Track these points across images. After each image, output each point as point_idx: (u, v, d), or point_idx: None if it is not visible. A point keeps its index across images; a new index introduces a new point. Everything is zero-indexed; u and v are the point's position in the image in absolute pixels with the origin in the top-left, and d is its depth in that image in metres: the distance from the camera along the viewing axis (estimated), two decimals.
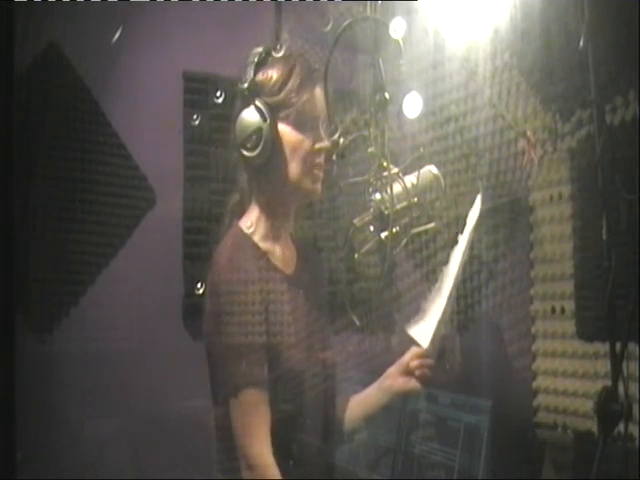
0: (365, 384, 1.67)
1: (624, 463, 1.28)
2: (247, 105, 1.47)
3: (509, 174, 1.70)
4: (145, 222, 2.00)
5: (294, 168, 1.48)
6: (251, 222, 1.52)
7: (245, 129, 1.47)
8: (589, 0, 1.40)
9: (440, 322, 1.56)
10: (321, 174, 1.51)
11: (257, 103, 1.46)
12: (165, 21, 1.94)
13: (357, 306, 1.68)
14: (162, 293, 2.02)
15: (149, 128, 1.94)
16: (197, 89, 1.94)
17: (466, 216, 1.63)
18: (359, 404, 1.66)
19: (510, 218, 1.76)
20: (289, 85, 1.47)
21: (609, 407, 1.26)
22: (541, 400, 1.67)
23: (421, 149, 1.69)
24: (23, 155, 1.67)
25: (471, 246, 1.67)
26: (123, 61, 1.95)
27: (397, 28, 1.44)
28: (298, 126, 1.48)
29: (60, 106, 1.86)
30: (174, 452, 2.03)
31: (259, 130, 1.45)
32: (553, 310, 1.64)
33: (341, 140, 1.47)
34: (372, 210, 1.48)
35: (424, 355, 1.59)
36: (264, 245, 1.51)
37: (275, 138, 1.46)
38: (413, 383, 1.60)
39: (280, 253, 1.54)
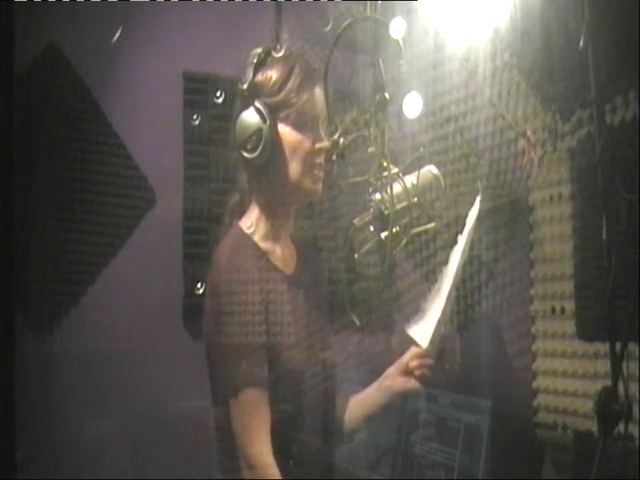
0: (365, 384, 1.67)
1: (624, 463, 1.28)
2: (247, 106, 1.47)
3: (509, 174, 1.70)
4: (145, 222, 2.00)
5: (294, 168, 1.48)
6: (251, 222, 1.52)
7: (245, 130, 1.47)
8: (589, 0, 1.40)
9: (440, 322, 1.56)
10: (321, 174, 1.51)
11: (257, 104, 1.46)
12: (165, 21, 1.94)
13: (357, 306, 1.68)
14: (162, 293, 2.01)
15: (149, 128, 1.94)
16: (197, 89, 1.93)
17: (466, 216, 1.63)
18: (359, 404, 1.66)
19: (510, 218, 1.76)
20: (289, 85, 1.47)
21: (609, 407, 1.26)
22: (541, 400, 1.67)
23: (421, 149, 1.70)
24: (23, 155, 1.67)
25: (471, 246, 1.67)
26: (123, 61, 1.95)
27: (397, 28, 1.44)
28: (298, 126, 1.48)
29: (60, 106, 1.86)
30: (174, 452, 2.03)
31: (259, 131, 1.45)
32: (553, 310, 1.64)
33: (341, 140, 1.47)
34: (372, 210, 1.48)
35: (424, 355, 1.59)
36: (264, 245, 1.51)
37: (275, 139, 1.46)
38: (413, 383, 1.60)
39: (280, 253, 1.54)
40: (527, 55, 1.63)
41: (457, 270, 1.59)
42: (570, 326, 1.60)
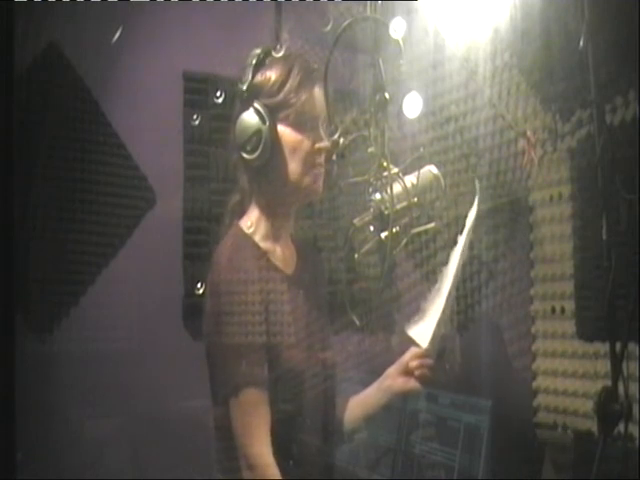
0: (365, 384, 1.67)
1: (624, 463, 1.28)
2: (246, 107, 1.47)
3: (509, 174, 1.70)
4: (145, 222, 2.00)
5: (294, 168, 1.48)
6: (251, 222, 1.52)
7: (244, 131, 1.47)
8: (589, 0, 1.40)
9: (440, 322, 1.56)
10: (321, 174, 1.51)
11: (256, 105, 1.46)
12: (165, 21, 1.94)
13: (357, 306, 1.68)
14: (162, 293, 2.01)
15: (149, 128, 1.94)
16: (197, 89, 1.93)
17: (466, 216, 1.63)
18: (359, 404, 1.66)
19: (510, 218, 1.76)
20: (288, 86, 1.47)
21: (609, 407, 1.26)
22: (541, 400, 1.67)
23: (421, 149, 1.70)
24: (23, 155, 1.67)
25: (471, 246, 1.67)
26: (123, 61, 1.95)
27: (397, 28, 1.44)
28: (298, 126, 1.48)
29: (60, 106, 1.86)
30: (174, 452, 2.03)
31: (258, 132, 1.45)
32: (553, 310, 1.64)
33: (341, 140, 1.47)
34: (372, 210, 1.48)
35: (424, 355, 1.59)
36: (264, 245, 1.51)
37: (275, 140, 1.46)
38: (412, 383, 1.60)
39: (280, 253, 1.54)
40: (527, 55, 1.63)
41: (457, 270, 1.59)
42: (570, 326, 1.60)
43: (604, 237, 1.34)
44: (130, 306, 2.14)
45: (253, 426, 1.41)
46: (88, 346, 2.07)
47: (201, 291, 1.62)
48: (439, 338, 1.58)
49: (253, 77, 1.48)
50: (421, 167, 1.54)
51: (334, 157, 1.51)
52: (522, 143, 1.66)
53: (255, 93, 1.47)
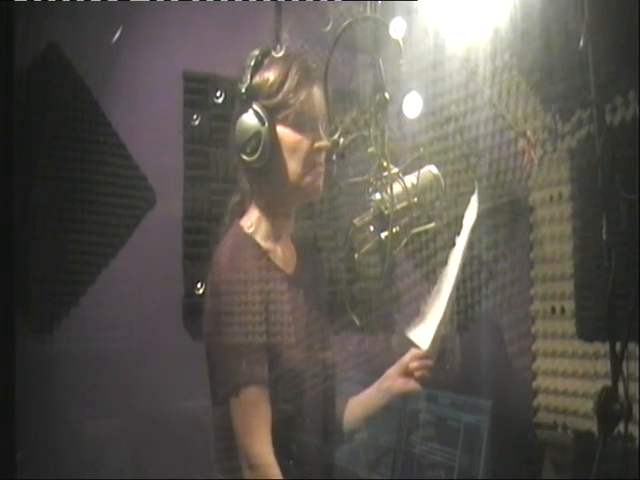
0: (365, 384, 1.67)
1: (624, 463, 1.28)
2: (245, 109, 1.47)
3: (509, 174, 1.70)
4: (145, 222, 1.99)
5: (294, 169, 1.48)
6: (251, 222, 1.52)
7: (244, 133, 1.47)
8: (589, 0, 1.39)
9: (440, 323, 1.56)
10: (322, 174, 1.51)
11: (255, 107, 1.46)
12: (165, 21, 1.94)
13: (357, 306, 1.68)
14: (162, 293, 2.01)
15: (149, 128, 1.94)
16: (197, 89, 1.93)
17: (465, 216, 1.63)
18: (359, 405, 1.66)
19: (510, 218, 1.76)
20: (286, 86, 1.47)
21: (609, 407, 1.26)
22: (541, 400, 1.67)
23: (421, 149, 1.69)
24: (23, 155, 1.67)
25: (471, 246, 1.67)
26: (123, 61, 1.95)
27: (397, 28, 1.44)
28: (297, 127, 1.48)
29: (60, 106, 1.86)
30: (174, 452, 2.02)
31: (258, 134, 1.45)
32: (553, 310, 1.64)
33: (341, 140, 1.47)
34: (372, 210, 1.48)
35: (424, 356, 1.59)
36: (265, 244, 1.51)
37: (274, 141, 1.46)
38: (412, 384, 1.60)
39: (280, 253, 1.54)
40: (527, 55, 1.63)
41: (457, 271, 1.59)
42: (570, 326, 1.59)
43: (604, 237, 1.34)
44: (130, 306, 2.14)
45: (254, 426, 1.41)
46: (88, 346, 2.07)
47: (201, 291, 1.62)
48: (439, 339, 1.58)
49: (252, 78, 1.48)
50: (421, 167, 1.54)
51: (334, 157, 1.51)
52: (522, 143, 1.66)
53: (254, 94, 1.48)
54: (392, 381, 1.62)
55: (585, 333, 1.56)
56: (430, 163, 1.58)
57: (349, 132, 1.58)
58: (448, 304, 1.57)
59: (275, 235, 1.53)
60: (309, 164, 1.49)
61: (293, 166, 1.48)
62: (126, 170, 1.97)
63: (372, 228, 1.49)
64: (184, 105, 1.93)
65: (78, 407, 2.03)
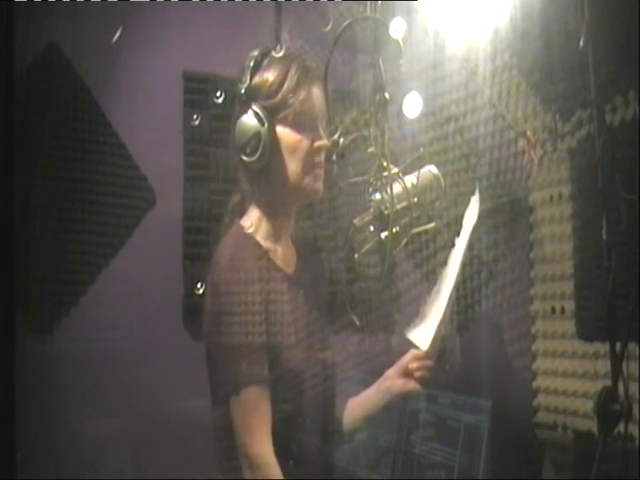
0: (365, 384, 1.67)
1: (624, 463, 1.28)
2: (245, 110, 1.48)
3: (509, 174, 1.70)
4: (145, 222, 1.99)
5: (294, 169, 1.48)
6: (251, 222, 1.52)
7: (244, 134, 1.47)
8: (589, 0, 1.39)
9: (440, 323, 1.56)
10: (321, 173, 1.51)
11: (254, 108, 1.46)
12: (165, 21, 1.94)
13: (357, 306, 1.68)
14: (162, 293, 2.01)
15: (149, 128, 1.94)
16: (197, 89, 1.93)
17: (464, 217, 1.63)
18: (359, 405, 1.66)
19: (510, 218, 1.76)
20: (285, 86, 1.47)
21: (609, 407, 1.26)
22: (541, 400, 1.67)
23: (421, 149, 1.70)
24: (23, 155, 1.67)
25: (471, 246, 1.67)
26: (123, 61, 1.95)
27: (397, 28, 1.44)
28: (297, 126, 1.48)
29: (60, 106, 1.86)
30: (174, 452, 2.02)
31: (257, 135, 1.46)
32: (553, 310, 1.64)
33: (341, 140, 1.47)
34: (372, 210, 1.48)
35: (423, 357, 1.59)
36: (265, 244, 1.51)
37: (274, 141, 1.46)
38: (412, 385, 1.60)
39: (281, 253, 1.54)
40: (527, 55, 1.63)
41: (457, 271, 1.59)
42: (570, 326, 1.59)
43: (604, 237, 1.34)
44: (130, 306, 2.14)
45: (254, 426, 1.41)
46: (88, 346, 2.07)
47: (201, 291, 1.62)
48: (439, 339, 1.58)
49: (251, 79, 1.48)
50: (421, 167, 1.54)
51: (334, 157, 1.51)
52: (522, 143, 1.65)
53: (253, 95, 1.48)
54: (392, 381, 1.61)
55: (585, 333, 1.56)
56: (430, 163, 1.58)
57: (349, 132, 1.58)
58: (448, 304, 1.57)
59: (275, 235, 1.53)
60: (309, 164, 1.49)
61: (293, 166, 1.48)
62: (126, 170, 1.97)
63: (372, 228, 1.49)
64: (184, 105, 1.93)
65: (78, 407, 2.03)
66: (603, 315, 1.34)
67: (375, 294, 1.80)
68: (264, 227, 1.52)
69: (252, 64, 1.49)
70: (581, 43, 1.38)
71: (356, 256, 1.54)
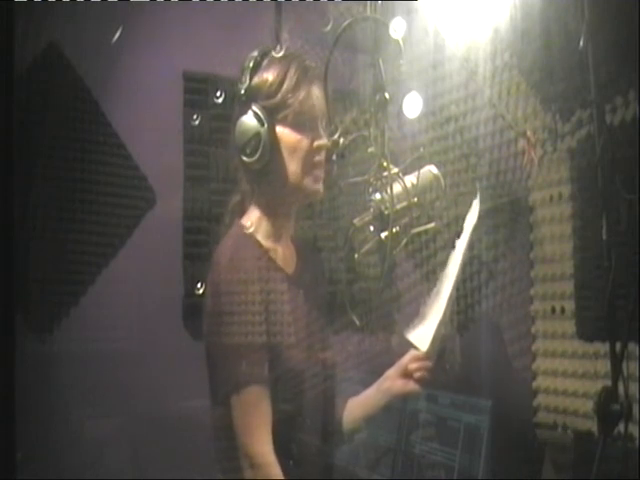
0: (365, 384, 1.67)
1: (624, 463, 1.28)
2: (245, 110, 1.48)
3: (509, 174, 1.70)
4: (145, 222, 2.00)
5: (294, 169, 1.48)
6: (252, 222, 1.52)
7: (244, 134, 1.47)
8: (589, 0, 1.39)
9: (440, 324, 1.56)
10: (321, 173, 1.51)
11: (254, 108, 1.46)
12: (165, 21, 1.94)
13: (357, 306, 1.68)
14: (162, 293, 2.01)
15: (149, 128, 1.94)
16: (197, 89, 1.93)
17: (465, 217, 1.63)
18: (358, 405, 1.66)
19: (510, 218, 1.76)
20: (285, 86, 1.47)
21: (609, 407, 1.26)
22: (541, 400, 1.67)
23: (421, 149, 1.70)
24: (23, 155, 1.67)
25: (471, 247, 1.67)
26: (123, 61, 1.95)
27: (397, 28, 1.44)
28: (296, 126, 1.48)
29: (60, 106, 1.86)
30: (174, 452, 2.02)
31: (257, 135, 1.46)
32: (553, 310, 1.64)
33: (341, 140, 1.47)
34: (372, 210, 1.48)
35: (423, 357, 1.59)
36: (265, 244, 1.51)
37: (274, 141, 1.46)
38: (412, 385, 1.60)
39: (281, 253, 1.54)
40: (527, 55, 1.63)
41: (457, 272, 1.59)
42: (570, 326, 1.59)
43: (604, 237, 1.34)
44: (130, 306, 2.14)
45: (254, 425, 1.41)
46: (88, 346, 2.07)
47: (201, 291, 1.62)
48: (439, 339, 1.58)
49: (250, 80, 1.48)
50: (421, 167, 1.54)
51: (334, 157, 1.51)
52: (522, 143, 1.66)
53: (253, 95, 1.48)
54: (391, 382, 1.61)
55: (585, 333, 1.56)
56: (430, 163, 1.58)
57: (349, 132, 1.58)
58: (448, 304, 1.57)
59: (275, 235, 1.53)
60: (309, 164, 1.49)
61: (293, 166, 1.48)
62: (126, 170, 1.97)
63: (372, 228, 1.49)
64: (184, 105, 1.93)
65: (78, 407, 2.03)
66: (603, 315, 1.34)
67: (375, 294, 1.80)
68: (264, 227, 1.52)
69: (252, 64, 1.49)
70: (581, 43, 1.38)
71: (356, 256, 1.54)
